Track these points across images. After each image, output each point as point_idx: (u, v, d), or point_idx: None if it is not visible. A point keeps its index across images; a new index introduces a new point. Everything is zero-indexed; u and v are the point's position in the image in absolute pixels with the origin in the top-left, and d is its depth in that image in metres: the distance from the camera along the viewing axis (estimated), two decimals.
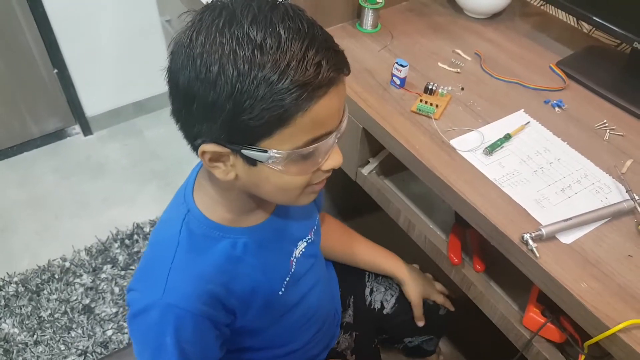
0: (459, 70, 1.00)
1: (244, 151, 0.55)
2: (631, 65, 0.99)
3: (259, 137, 0.54)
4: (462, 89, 0.96)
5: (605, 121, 0.91)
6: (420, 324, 1.03)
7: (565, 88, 0.97)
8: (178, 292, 0.63)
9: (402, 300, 1.03)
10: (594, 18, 0.97)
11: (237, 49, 0.50)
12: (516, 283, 0.86)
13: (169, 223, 0.69)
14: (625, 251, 0.72)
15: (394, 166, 0.99)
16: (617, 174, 0.82)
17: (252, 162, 0.57)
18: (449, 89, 0.96)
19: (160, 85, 2.28)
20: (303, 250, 0.80)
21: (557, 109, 0.93)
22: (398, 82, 0.96)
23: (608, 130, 0.89)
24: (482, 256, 0.89)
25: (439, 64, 1.02)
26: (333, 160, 0.61)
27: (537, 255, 0.71)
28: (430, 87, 0.93)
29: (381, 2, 1.05)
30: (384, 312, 1.04)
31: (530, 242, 0.72)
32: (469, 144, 0.87)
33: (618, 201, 0.77)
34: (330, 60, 0.52)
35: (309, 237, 0.81)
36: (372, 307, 1.04)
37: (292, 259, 0.78)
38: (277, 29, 0.51)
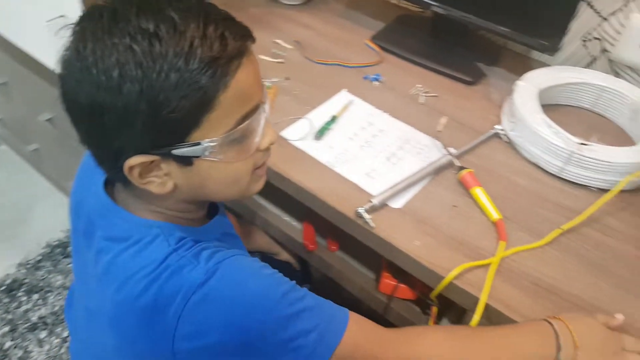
0: (282, 60, 1.01)
1: (174, 151, 0.51)
2: (434, 28, 1.07)
3: (188, 130, 0.51)
4: (287, 78, 0.97)
5: (419, 85, 0.97)
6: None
7: (381, 61, 1.03)
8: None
9: (262, 260, 1.03)
10: None
11: (133, 45, 0.47)
12: (369, 254, 0.89)
13: (144, 256, 0.56)
14: (450, 202, 0.78)
15: None
16: (435, 133, 0.88)
17: (187, 161, 0.53)
18: (275, 80, 0.96)
19: None
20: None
21: (375, 82, 0.98)
22: None
23: (423, 94, 0.96)
24: (335, 236, 0.92)
25: (261, 56, 1.02)
26: (270, 135, 0.58)
27: (372, 225, 0.74)
28: None
29: None
30: None
31: (365, 214, 0.75)
32: (299, 133, 0.88)
33: (437, 158, 0.83)
34: (232, 30, 0.50)
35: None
36: None
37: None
38: (167, 13, 0.48)
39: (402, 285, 0.84)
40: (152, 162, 0.52)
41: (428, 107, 0.94)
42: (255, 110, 0.55)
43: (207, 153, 0.52)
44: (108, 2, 0.50)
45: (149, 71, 0.47)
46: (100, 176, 0.61)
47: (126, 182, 0.54)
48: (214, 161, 0.53)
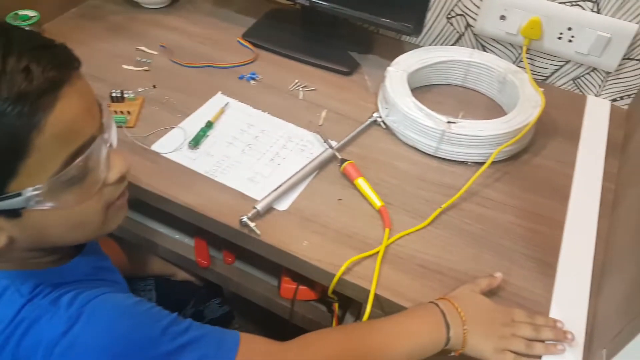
0: (147, 67, 0.95)
1: None
2: (305, 21, 1.05)
3: (3, 181, 0.44)
4: (154, 86, 0.91)
5: (297, 81, 0.95)
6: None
7: (255, 59, 0.99)
8: None
9: (158, 285, 0.97)
10: None
11: None
12: (268, 260, 0.86)
13: None
14: (335, 196, 0.77)
15: None
16: (316, 128, 0.87)
17: (13, 213, 0.46)
18: (140, 90, 0.90)
19: None
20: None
21: (252, 81, 0.94)
22: None
23: (301, 89, 0.94)
24: (231, 247, 0.88)
25: (124, 66, 0.95)
26: (118, 166, 0.52)
27: (258, 233, 0.71)
28: (114, 94, 0.86)
29: (36, 16, 0.92)
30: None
31: (249, 223, 0.71)
32: (172, 144, 0.82)
33: (319, 153, 0.82)
34: (42, 60, 0.43)
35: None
36: None
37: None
38: None
39: (303, 287, 0.82)
40: None
41: (307, 102, 0.92)
42: (89, 144, 0.48)
43: (32, 203, 0.46)
44: None
45: None
46: None
47: None
48: (46, 209, 0.47)
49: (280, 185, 0.76)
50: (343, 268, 0.67)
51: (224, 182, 0.78)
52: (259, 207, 0.73)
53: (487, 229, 0.73)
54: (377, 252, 0.69)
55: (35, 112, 0.43)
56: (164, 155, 0.80)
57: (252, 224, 0.71)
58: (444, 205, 0.74)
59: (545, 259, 0.70)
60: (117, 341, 0.49)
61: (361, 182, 0.77)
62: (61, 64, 0.46)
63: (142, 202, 0.82)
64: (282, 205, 0.75)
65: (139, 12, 1.09)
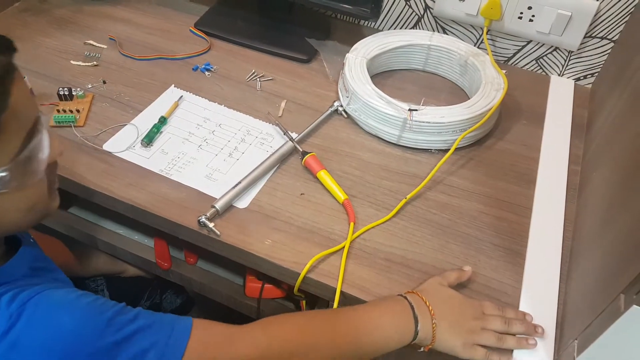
0: (95, 62, 0.89)
1: None
2: (260, 7, 1.01)
3: None
4: (104, 82, 0.86)
5: (254, 71, 0.92)
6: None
7: (209, 49, 0.95)
8: None
9: (109, 284, 0.95)
10: None
11: None
12: (232, 259, 0.84)
13: None
14: (297, 191, 0.74)
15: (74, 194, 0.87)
16: (275, 119, 0.83)
17: None
18: (89, 86, 0.85)
19: None
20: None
21: (206, 73, 0.90)
22: None
23: (258, 79, 0.90)
24: (193, 247, 0.84)
25: (72, 62, 0.89)
26: (56, 146, 0.53)
27: (218, 233, 0.68)
28: (62, 92, 0.80)
29: None
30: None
31: (208, 223, 0.68)
32: (125, 142, 0.78)
33: (279, 146, 0.79)
34: None
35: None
36: None
37: None
38: None
39: (268, 285, 0.79)
40: None
41: (266, 92, 0.88)
42: (37, 124, 0.50)
43: None
44: None
45: None
46: None
47: None
48: (5, 192, 0.48)
49: (240, 182, 0.72)
50: (307, 266, 0.65)
51: (180, 181, 0.74)
52: (218, 205, 0.70)
53: (453, 218, 0.72)
54: (342, 248, 0.67)
55: (4, 93, 0.44)
56: (116, 154, 0.76)
57: (210, 224, 0.68)
58: (408, 196, 0.72)
59: (513, 247, 0.69)
60: (63, 334, 0.48)
61: (324, 175, 0.74)
62: (10, 47, 0.47)
63: (97, 203, 0.78)
64: (242, 203, 0.72)
65: (85, 4, 1.03)
